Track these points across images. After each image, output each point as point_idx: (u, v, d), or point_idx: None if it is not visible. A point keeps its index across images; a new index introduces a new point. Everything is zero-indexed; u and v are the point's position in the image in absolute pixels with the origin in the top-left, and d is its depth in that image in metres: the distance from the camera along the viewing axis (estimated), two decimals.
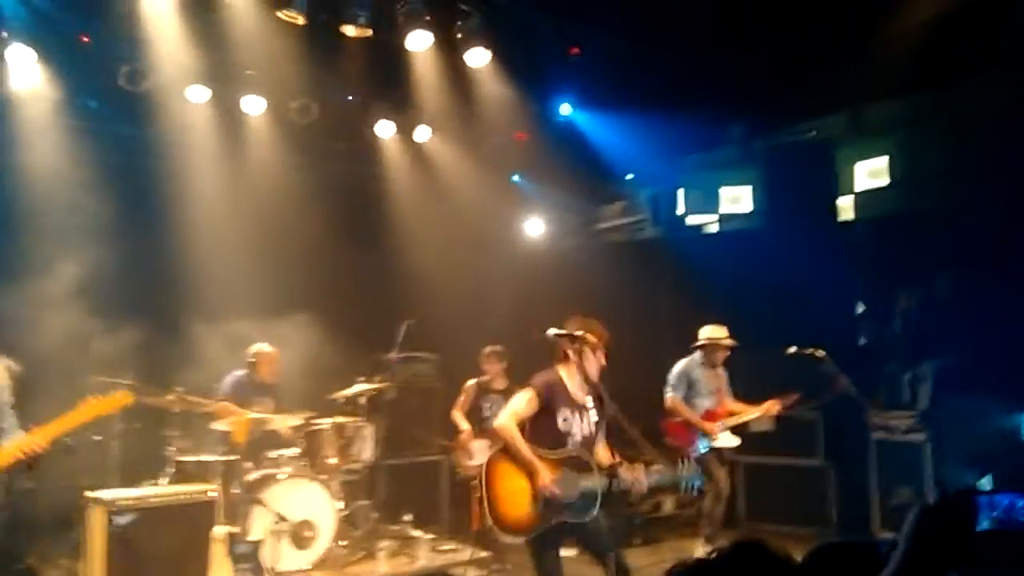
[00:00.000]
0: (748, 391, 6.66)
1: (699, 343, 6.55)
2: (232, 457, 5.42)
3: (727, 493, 6.38)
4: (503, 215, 9.24)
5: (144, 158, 7.07)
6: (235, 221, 7.11)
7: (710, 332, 6.56)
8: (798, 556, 1.74)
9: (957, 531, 1.81)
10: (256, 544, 4.88)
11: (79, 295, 5.82)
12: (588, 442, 4.19)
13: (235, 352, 6.20)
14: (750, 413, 6.39)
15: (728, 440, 6.39)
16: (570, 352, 4.19)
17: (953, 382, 6.65)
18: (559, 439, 4.09)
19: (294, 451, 5.88)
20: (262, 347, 6.17)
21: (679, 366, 6.55)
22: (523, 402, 4.13)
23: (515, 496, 4.01)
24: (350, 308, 7.53)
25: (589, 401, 4.23)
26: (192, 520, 4.88)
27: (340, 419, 6.17)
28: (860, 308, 8.06)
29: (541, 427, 4.11)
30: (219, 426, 5.65)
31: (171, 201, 7.01)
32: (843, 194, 8.85)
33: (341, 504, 5.87)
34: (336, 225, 7.77)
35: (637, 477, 4.13)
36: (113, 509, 4.66)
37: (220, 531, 4.70)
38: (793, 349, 6.29)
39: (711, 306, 7.70)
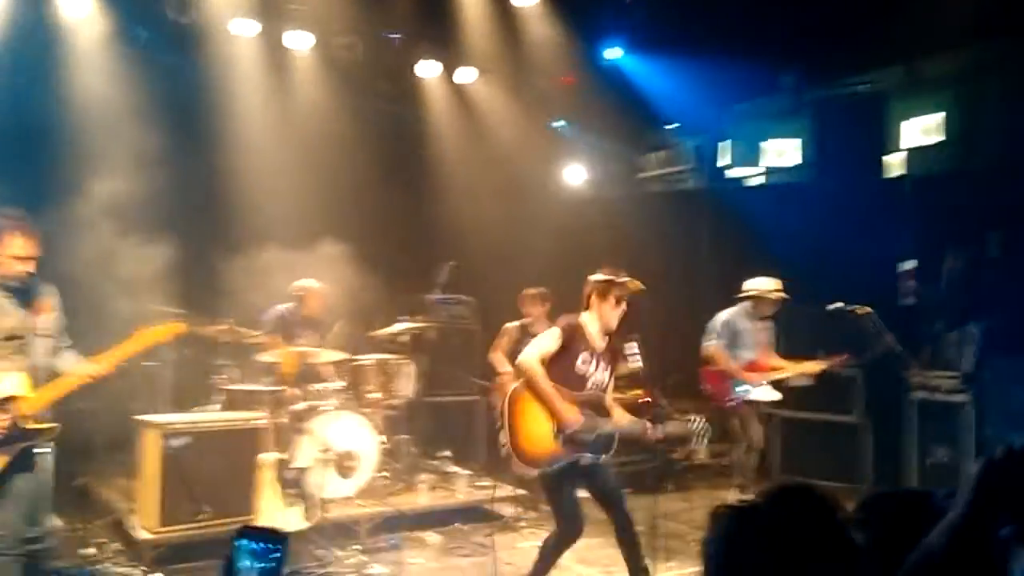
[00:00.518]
0: (789, 347, 6.62)
1: (747, 293, 6.39)
2: (279, 388, 5.52)
3: (761, 446, 6.36)
4: (545, 160, 9.17)
5: (191, 89, 7.08)
6: (278, 155, 7.14)
7: (760, 283, 6.36)
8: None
9: (1021, 485, 1.79)
10: (302, 471, 5.00)
11: (128, 224, 5.88)
12: (603, 388, 4.30)
13: (278, 284, 6.27)
14: (793, 370, 6.29)
15: (767, 394, 6.29)
16: (594, 299, 4.28)
17: (999, 343, 6.56)
18: (576, 382, 4.18)
19: (338, 384, 5.98)
20: (309, 283, 6.23)
21: (723, 315, 6.40)
22: (548, 340, 4.21)
23: (536, 430, 4.10)
24: (391, 247, 7.58)
25: (607, 353, 4.31)
26: (242, 446, 5.02)
27: (382, 356, 6.26)
28: (906, 266, 7.94)
29: (560, 368, 4.17)
30: (267, 358, 5.75)
31: (216, 133, 7.04)
32: (892, 150, 8.67)
33: (383, 437, 5.99)
34: (378, 164, 7.77)
35: (648, 427, 4.26)
36: (167, 432, 4.80)
37: (269, 457, 4.83)
38: (837, 305, 6.21)
39: (753, 260, 7.63)
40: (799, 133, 9.23)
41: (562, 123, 9.20)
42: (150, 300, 5.51)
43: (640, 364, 4.39)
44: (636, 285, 4.30)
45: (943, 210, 7.72)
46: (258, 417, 5.24)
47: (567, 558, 5.15)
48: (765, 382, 6.28)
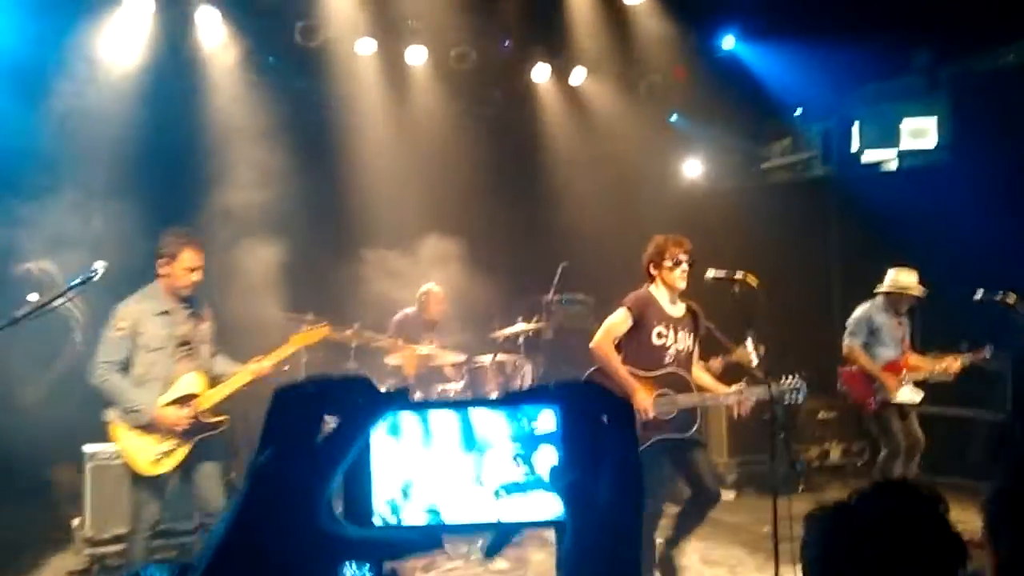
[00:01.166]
0: (929, 339, 6.23)
1: (884, 288, 6.02)
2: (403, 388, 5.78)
3: (907, 447, 5.91)
4: (661, 156, 9.05)
5: (317, 109, 7.52)
6: (398, 166, 7.44)
7: (897, 277, 5.98)
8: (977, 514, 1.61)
9: None
10: None
11: (259, 235, 6.32)
12: (684, 357, 4.24)
13: (400, 289, 6.56)
14: (935, 367, 5.85)
15: (909, 395, 5.87)
16: (652, 271, 4.30)
17: None
18: (655, 355, 4.16)
19: (458, 385, 6.18)
20: (431, 287, 6.49)
21: (859, 311, 6.06)
22: (617, 320, 4.25)
23: None
24: (509, 250, 7.73)
25: (685, 319, 4.28)
26: None
27: (501, 356, 6.40)
28: None
29: (637, 345, 4.20)
30: (391, 360, 6.03)
31: (339, 148, 7.42)
32: None
33: None
34: (494, 169, 7.94)
35: (740, 394, 4.15)
36: None
37: None
38: (981, 294, 5.79)
39: (887, 249, 7.23)
40: (936, 112, 8.65)
41: (678, 118, 9.05)
42: (282, 307, 5.90)
43: (754, 358, 4.29)
44: (682, 246, 4.20)
45: None
46: None
47: (692, 559, 5.12)
48: (908, 382, 5.89)
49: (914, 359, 6.00)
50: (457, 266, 6.74)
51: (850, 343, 6.01)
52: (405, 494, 0.62)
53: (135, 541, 4.04)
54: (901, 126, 8.91)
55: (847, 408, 6.76)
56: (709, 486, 4.17)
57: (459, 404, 0.63)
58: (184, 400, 4.00)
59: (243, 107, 6.91)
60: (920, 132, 8.94)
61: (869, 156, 8.98)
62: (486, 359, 6.33)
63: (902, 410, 5.93)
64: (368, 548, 0.60)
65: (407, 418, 0.62)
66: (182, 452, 3.99)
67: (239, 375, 4.17)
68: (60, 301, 3.73)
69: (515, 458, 0.62)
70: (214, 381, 4.18)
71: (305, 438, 0.57)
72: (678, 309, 4.30)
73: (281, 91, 7.17)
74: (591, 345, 4.30)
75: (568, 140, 8.46)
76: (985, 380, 6.24)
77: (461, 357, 6.21)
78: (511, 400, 0.63)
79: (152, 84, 6.57)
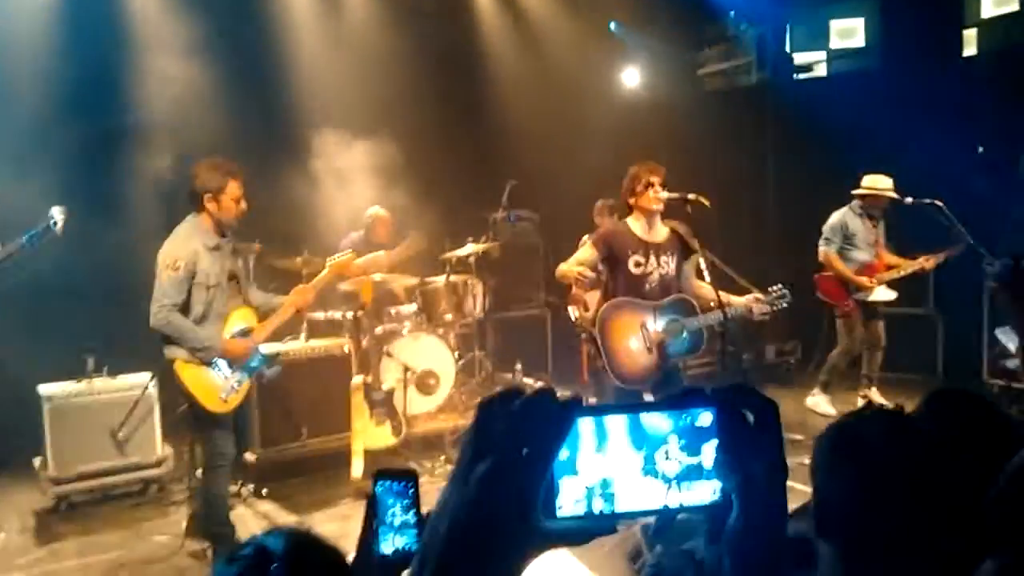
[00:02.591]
0: None
1: (859, 191, 6.30)
2: (359, 314, 5.79)
3: (869, 346, 6.31)
4: (600, 65, 8.99)
5: (250, 24, 7.11)
6: (333, 82, 7.16)
7: (871, 181, 6.27)
8: (909, 403, 1.69)
9: None
10: (389, 392, 5.30)
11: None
12: (669, 281, 4.33)
13: (344, 212, 6.47)
14: (908, 267, 6.19)
15: (883, 294, 6.25)
16: (628, 199, 4.36)
17: None
18: (636, 283, 4.26)
19: (412, 308, 6.24)
20: (377, 210, 6.43)
21: (834, 217, 6.33)
22: (581, 253, 4.39)
23: (629, 347, 4.24)
24: (452, 168, 7.65)
25: (669, 242, 4.35)
26: (330, 371, 5.37)
27: (452, 277, 6.45)
28: (980, 151, 7.65)
29: (619, 276, 4.29)
30: (344, 286, 6.01)
31: (270, 63, 7.08)
32: (968, 25, 8.20)
33: (457, 355, 6.26)
34: (433, 84, 7.75)
35: (748, 304, 4.30)
36: None
37: (357, 381, 5.13)
38: (910, 200, 6.09)
39: (822, 153, 7.48)
40: (864, 12, 8.81)
41: (616, 26, 8.95)
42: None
43: (706, 275, 4.43)
44: (652, 171, 4.30)
45: (1022, 88, 7.35)
46: (342, 343, 5.55)
47: None
48: (881, 283, 6.22)
49: (890, 259, 6.31)
50: (400, 186, 6.66)
51: (825, 249, 6.30)
52: (588, 488, 0.71)
53: (219, 474, 4.02)
54: (830, 25, 9.06)
55: (780, 310, 7.09)
56: None
57: (629, 408, 0.73)
58: (243, 334, 4.05)
59: (166, 21, 6.52)
60: (849, 31, 9.11)
61: (800, 58, 9.13)
62: (439, 280, 6.38)
63: (872, 310, 6.28)
64: (562, 537, 0.70)
65: (584, 422, 0.70)
66: (247, 386, 4.07)
67: (286, 306, 4.18)
68: (18, 253, 3.56)
69: (679, 451, 0.70)
70: (262, 314, 4.20)
71: (517, 449, 0.66)
72: (658, 234, 4.36)
73: (206, 5, 6.75)
74: (557, 271, 4.40)
75: (507, 52, 8.31)
76: (912, 278, 6.57)
77: (413, 280, 6.23)
78: (674, 404, 0.70)
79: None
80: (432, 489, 5.25)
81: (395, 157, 6.74)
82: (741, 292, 4.44)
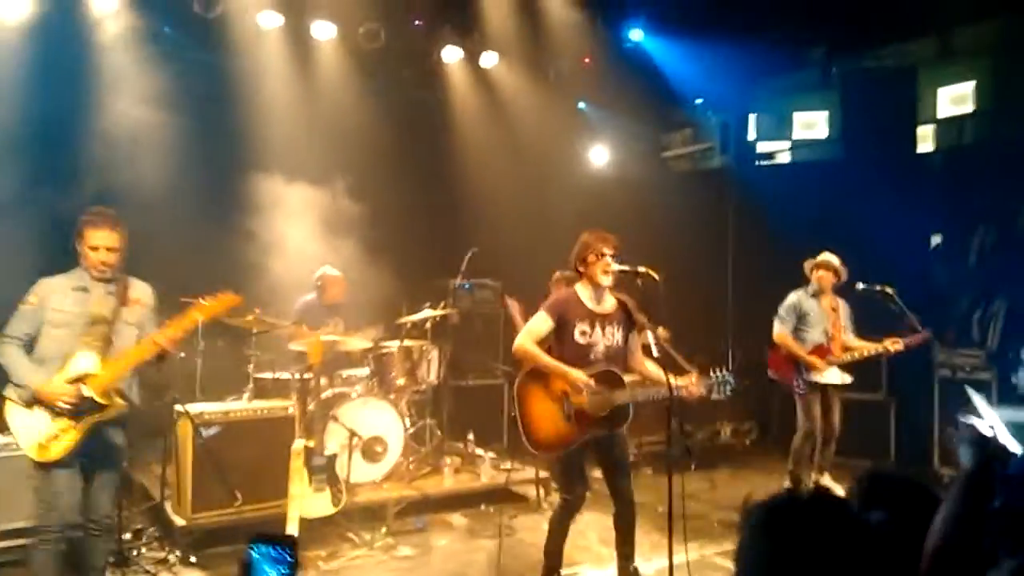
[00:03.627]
0: None
1: (810, 262, 6.37)
2: (307, 376, 5.70)
3: (824, 433, 6.22)
4: (568, 142, 9.18)
5: (215, 83, 7.21)
6: (303, 144, 7.23)
7: (823, 258, 6.35)
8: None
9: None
10: (331, 457, 5.18)
11: (151, 216, 6.07)
12: (615, 352, 4.28)
13: (302, 274, 6.43)
14: (868, 349, 6.14)
15: (835, 377, 6.20)
16: (579, 266, 4.33)
17: None
18: (581, 352, 4.21)
19: (364, 371, 6.16)
20: (327, 270, 6.39)
21: (790, 298, 6.37)
22: (535, 322, 4.29)
23: (547, 415, 4.19)
24: (416, 234, 7.69)
25: (615, 314, 4.31)
26: (271, 434, 5.21)
27: (407, 342, 6.40)
28: (934, 243, 7.84)
29: (561, 345, 4.24)
30: (295, 346, 5.94)
31: (240, 126, 7.14)
32: (924, 122, 8.51)
33: (408, 422, 6.16)
34: (402, 150, 7.86)
35: (686, 386, 4.16)
36: (199, 422, 5.00)
37: (298, 445, 5.01)
38: (861, 286, 6.17)
39: (781, 237, 7.62)
40: (827, 106, 9.11)
41: (585, 105, 9.19)
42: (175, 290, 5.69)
43: (654, 350, 4.41)
44: (604, 241, 4.27)
45: (974, 184, 7.60)
46: (287, 405, 5.44)
47: (590, 539, 5.31)
48: (832, 365, 6.18)
49: (850, 343, 6.25)
50: (360, 250, 6.66)
51: (779, 329, 6.31)
52: None
53: (39, 550, 3.76)
54: (794, 117, 9.36)
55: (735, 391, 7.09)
56: (623, 489, 4.27)
57: None
58: (78, 379, 3.78)
59: (139, 79, 6.58)
60: (811, 124, 9.41)
61: (764, 147, 9.40)
62: (393, 345, 6.33)
63: (826, 394, 6.24)
64: None
65: None
66: (70, 437, 3.73)
67: (134, 351, 3.91)
68: None
69: None
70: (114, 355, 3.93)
71: None
72: (605, 305, 4.33)
73: (177, 63, 6.84)
74: (513, 347, 4.32)
75: (478, 124, 8.45)
76: (865, 364, 6.59)
77: (368, 343, 6.18)
78: None
79: (37, 47, 6.19)
80: (370, 563, 5.11)
81: (356, 219, 6.76)
82: (682, 372, 4.42)
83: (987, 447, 1.85)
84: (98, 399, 3.78)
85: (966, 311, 7.08)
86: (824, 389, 6.24)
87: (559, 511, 4.38)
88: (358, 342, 6.08)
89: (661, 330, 4.51)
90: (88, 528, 3.90)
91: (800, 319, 6.30)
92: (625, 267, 4.28)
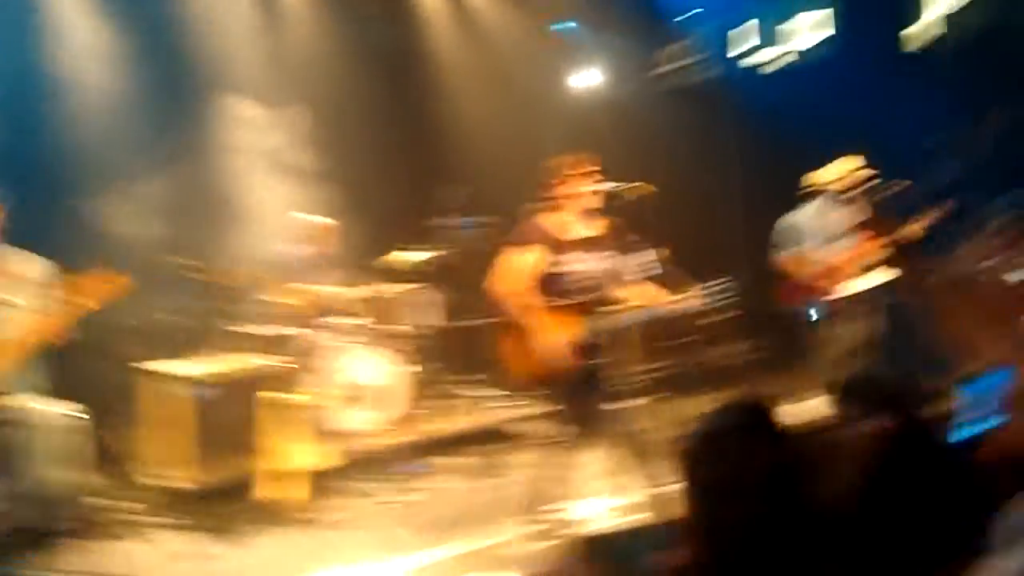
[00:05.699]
0: None
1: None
2: (302, 329, 5.51)
3: (845, 348, 5.62)
4: (553, 67, 8.79)
5: (175, 30, 6.80)
6: (273, 88, 6.88)
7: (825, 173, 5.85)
8: None
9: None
10: (334, 408, 5.03)
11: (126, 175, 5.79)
12: (601, 278, 4.05)
13: (285, 223, 6.18)
14: (898, 234, 5.61)
15: (860, 285, 5.64)
16: (553, 196, 4.07)
17: None
18: (564, 283, 3.99)
19: (365, 320, 5.95)
20: (316, 219, 6.13)
21: (787, 218, 5.85)
22: (519, 262, 4.01)
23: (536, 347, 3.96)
24: (400, 176, 7.39)
25: (598, 239, 4.09)
26: (268, 389, 5.04)
27: (405, 286, 6.20)
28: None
29: (546, 277, 4.00)
30: (286, 300, 5.72)
31: (204, 72, 6.75)
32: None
33: (414, 367, 5.98)
34: (378, 89, 7.47)
35: (675, 304, 3.99)
36: (196, 382, 4.83)
37: (297, 398, 4.84)
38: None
39: (781, 146, 7.33)
40: (826, 5, 8.72)
41: (568, 25, 8.77)
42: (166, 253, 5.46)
43: (654, 272, 4.16)
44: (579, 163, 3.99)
45: (984, 74, 7.26)
46: (278, 360, 5.25)
47: (585, 474, 5.11)
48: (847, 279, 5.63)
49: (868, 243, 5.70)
50: (348, 195, 6.38)
51: (776, 256, 5.85)
52: None
53: None
54: (790, 19, 8.96)
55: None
56: (617, 418, 4.10)
57: None
58: None
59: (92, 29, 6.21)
60: (810, 25, 9.01)
61: (757, 55, 9.03)
62: (391, 289, 6.12)
63: (850, 308, 5.68)
64: None
65: None
66: None
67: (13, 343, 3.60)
68: None
69: None
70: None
71: None
72: (587, 230, 4.11)
73: (133, 13, 6.45)
74: (487, 287, 4.10)
75: (456, 54, 8.09)
76: None
77: (365, 291, 5.95)
78: None
79: None
80: (373, 511, 4.94)
81: (326, 159, 6.45)
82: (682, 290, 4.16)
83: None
84: None
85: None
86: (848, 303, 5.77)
87: (559, 446, 4.18)
88: (353, 291, 5.86)
89: (657, 251, 4.24)
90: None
91: (801, 238, 5.81)
92: (613, 185, 4.03)
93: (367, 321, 5.97)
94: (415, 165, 7.61)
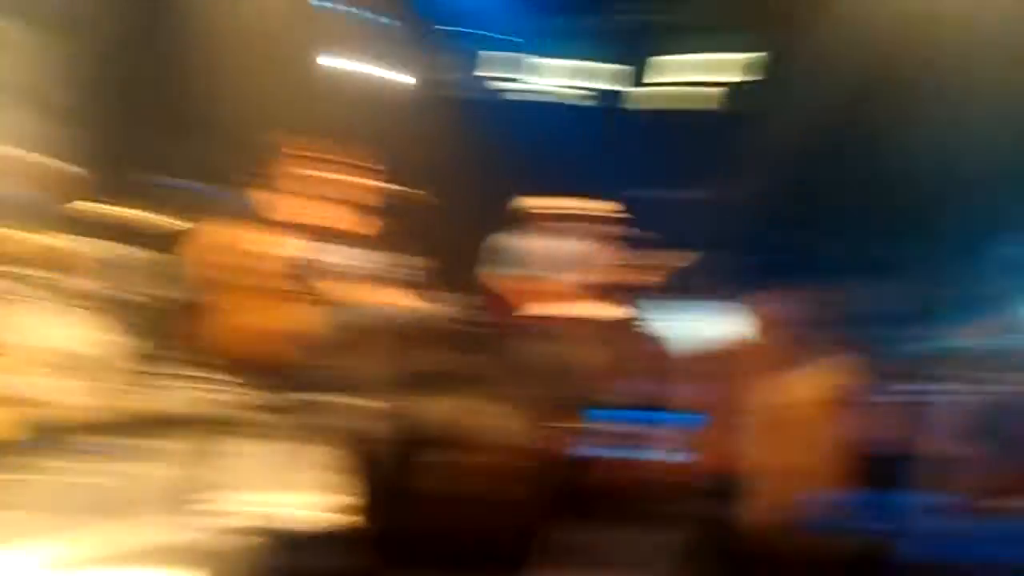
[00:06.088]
0: None
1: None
2: None
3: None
4: (313, 41, 8.54)
5: None
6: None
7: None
8: None
9: None
10: (11, 375, 4.42)
11: None
12: (322, 269, 4.05)
13: None
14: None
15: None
16: (274, 173, 4.03)
17: None
18: (276, 267, 3.96)
19: (51, 273, 5.28)
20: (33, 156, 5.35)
21: (501, 239, 6.14)
22: (215, 235, 3.99)
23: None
24: (133, 122, 6.75)
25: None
26: None
27: (99, 241, 5.63)
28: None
29: (253, 257, 3.97)
30: None
31: None
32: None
33: (104, 335, 5.44)
34: (132, 29, 6.78)
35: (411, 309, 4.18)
36: None
37: None
38: None
39: (513, 170, 7.81)
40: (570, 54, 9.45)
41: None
42: None
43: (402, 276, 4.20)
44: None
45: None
46: None
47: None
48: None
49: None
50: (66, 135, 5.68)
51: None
52: None
53: None
54: (547, 61, 9.57)
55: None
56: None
57: None
58: None
59: None
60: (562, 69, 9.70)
61: (512, 84, 9.55)
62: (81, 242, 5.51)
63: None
64: None
65: None
66: None
67: None
68: None
69: None
70: None
71: None
72: (323, 218, 4.06)
73: None
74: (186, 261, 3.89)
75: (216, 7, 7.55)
76: None
77: (54, 240, 5.30)
78: None
79: None
80: (44, 492, 4.42)
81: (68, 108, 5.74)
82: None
83: None
84: None
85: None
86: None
87: (243, 433, 4.07)
88: (36, 238, 5.17)
89: (412, 256, 4.30)
90: None
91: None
92: (378, 184, 4.03)
93: (57, 275, 5.31)
94: (152, 116, 6.98)
